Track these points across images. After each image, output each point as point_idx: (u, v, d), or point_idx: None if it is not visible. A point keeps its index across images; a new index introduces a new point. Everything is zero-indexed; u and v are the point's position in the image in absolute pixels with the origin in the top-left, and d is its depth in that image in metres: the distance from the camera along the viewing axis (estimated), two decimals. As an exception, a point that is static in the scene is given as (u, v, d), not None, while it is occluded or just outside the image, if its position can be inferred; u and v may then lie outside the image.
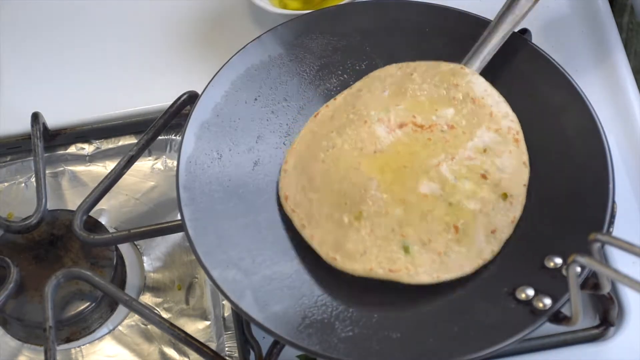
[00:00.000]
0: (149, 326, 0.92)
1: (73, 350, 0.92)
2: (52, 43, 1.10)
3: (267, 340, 0.87)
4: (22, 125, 1.01)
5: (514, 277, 0.81)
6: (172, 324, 0.87)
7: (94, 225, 0.94)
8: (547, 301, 0.78)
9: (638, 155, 0.97)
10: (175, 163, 0.88)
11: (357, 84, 0.93)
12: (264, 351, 0.87)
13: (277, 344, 0.86)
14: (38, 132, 0.98)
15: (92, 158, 1.03)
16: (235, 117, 0.91)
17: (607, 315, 0.88)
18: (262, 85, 0.93)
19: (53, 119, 1.01)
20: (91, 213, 0.92)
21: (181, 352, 0.91)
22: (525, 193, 0.86)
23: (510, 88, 0.91)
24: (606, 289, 0.78)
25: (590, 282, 0.79)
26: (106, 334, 0.93)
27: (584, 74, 1.01)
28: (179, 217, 0.85)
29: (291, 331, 0.79)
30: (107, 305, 0.93)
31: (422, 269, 0.82)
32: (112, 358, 0.91)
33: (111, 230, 0.96)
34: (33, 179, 0.97)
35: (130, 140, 1.03)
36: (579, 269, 0.74)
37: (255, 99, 0.93)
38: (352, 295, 0.82)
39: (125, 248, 0.97)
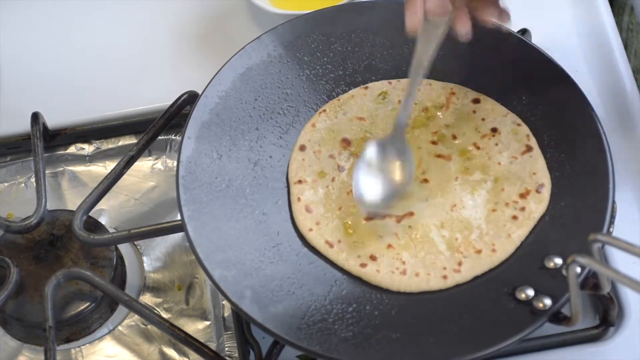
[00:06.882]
0: (149, 326, 0.92)
1: (73, 351, 0.92)
2: (52, 43, 1.10)
3: (267, 340, 0.87)
4: (22, 125, 1.01)
5: (514, 277, 0.81)
6: (172, 324, 0.87)
7: (93, 225, 0.94)
8: (547, 301, 0.78)
9: (638, 155, 0.97)
10: (175, 163, 0.88)
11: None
12: (264, 351, 0.87)
13: (277, 344, 0.86)
14: (38, 132, 0.98)
15: (92, 158, 1.03)
16: (235, 117, 0.91)
17: (607, 316, 0.88)
18: (262, 86, 0.93)
19: (53, 119, 1.01)
20: (91, 213, 0.92)
21: (181, 352, 0.91)
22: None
23: (509, 88, 0.92)
24: (606, 289, 0.78)
25: (590, 282, 0.79)
26: (106, 334, 0.93)
27: (584, 74, 1.01)
28: (179, 217, 0.85)
29: (291, 331, 0.79)
30: (107, 305, 0.93)
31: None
32: (112, 358, 0.91)
33: (111, 230, 0.96)
34: (33, 179, 0.97)
35: (130, 140, 1.03)
36: (578, 269, 0.75)
37: (255, 99, 0.93)
38: (352, 295, 0.83)
39: (125, 248, 0.97)
